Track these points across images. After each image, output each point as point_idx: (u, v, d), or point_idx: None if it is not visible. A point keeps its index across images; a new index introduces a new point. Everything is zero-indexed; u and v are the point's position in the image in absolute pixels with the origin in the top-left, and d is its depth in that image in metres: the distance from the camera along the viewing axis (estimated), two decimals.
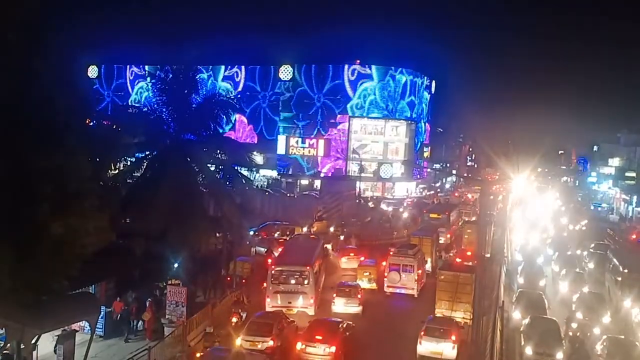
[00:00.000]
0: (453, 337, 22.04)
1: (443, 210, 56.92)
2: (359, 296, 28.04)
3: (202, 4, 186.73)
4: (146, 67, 65.57)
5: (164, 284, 25.74)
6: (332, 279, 33.04)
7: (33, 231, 15.44)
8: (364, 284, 31.51)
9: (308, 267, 27.52)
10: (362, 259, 35.69)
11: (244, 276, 31.32)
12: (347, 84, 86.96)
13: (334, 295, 28.05)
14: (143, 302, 24.04)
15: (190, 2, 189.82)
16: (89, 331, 20.52)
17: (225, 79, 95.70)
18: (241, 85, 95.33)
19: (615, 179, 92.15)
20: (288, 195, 72.79)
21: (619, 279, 33.81)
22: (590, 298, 30.12)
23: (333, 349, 21.03)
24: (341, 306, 27.60)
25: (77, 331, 20.50)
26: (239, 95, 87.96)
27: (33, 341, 17.23)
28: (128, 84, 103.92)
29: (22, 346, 16.89)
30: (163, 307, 24.25)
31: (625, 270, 33.72)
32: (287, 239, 40.83)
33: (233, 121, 75.66)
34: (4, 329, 17.72)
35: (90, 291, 22.64)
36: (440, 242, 43.95)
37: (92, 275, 21.04)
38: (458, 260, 36.34)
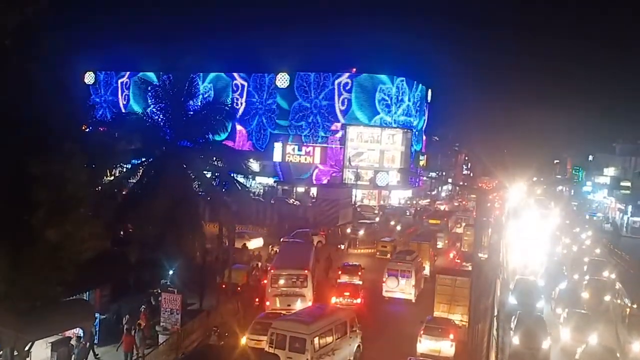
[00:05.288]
0: (451, 336, 23.08)
1: (442, 217, 58.68)
2: (360, 273, 33.61)
3: (199, 12, 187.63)
4: (144, 74, 65.66)
5: (158, 291, 25.61)
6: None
7: (28, 237, 15.38)
8: (381, 255, 41.70)
9: (306, 270, 28.12)
10: None
11: (239, 284, 31.18)
12: (344, 92, 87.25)
13: (340, 273, 33.81)
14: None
15: (188, 10, 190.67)
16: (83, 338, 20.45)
17: (222, 86, 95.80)
18: (238, 92, 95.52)
19: (610, 189, 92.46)
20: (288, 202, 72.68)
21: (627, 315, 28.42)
22: (601, 353, 23.38)
23: (359, 300, 29.19)
24: (346, 280, 32.86)
25: (71, 338, 20.38)
26: (236, 103, 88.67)
27: (26, 348, 17.13)
28: (125, 91, 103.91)
29: (15, 353, 16.78)
30: (157, 314, 24.11)
31: (635, 306, 28.70)
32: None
33: (229, 128, 75.77)
34: None
35: (85, 298, 22.51)
36: (439, 247, 46.15)
37: (87, 282, 20.92)
38: (457, 260, 39.79)
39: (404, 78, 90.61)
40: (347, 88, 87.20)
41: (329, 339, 20.54)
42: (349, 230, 52.76)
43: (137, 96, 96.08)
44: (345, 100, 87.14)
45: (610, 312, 31.65)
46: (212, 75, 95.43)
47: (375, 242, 45.88)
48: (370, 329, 24.32)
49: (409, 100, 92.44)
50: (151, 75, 69.36)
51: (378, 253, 42.87)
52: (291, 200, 74.82)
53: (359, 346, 22.68)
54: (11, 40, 16.26)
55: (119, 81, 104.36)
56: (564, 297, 31.89)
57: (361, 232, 49.84)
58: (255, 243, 43.59)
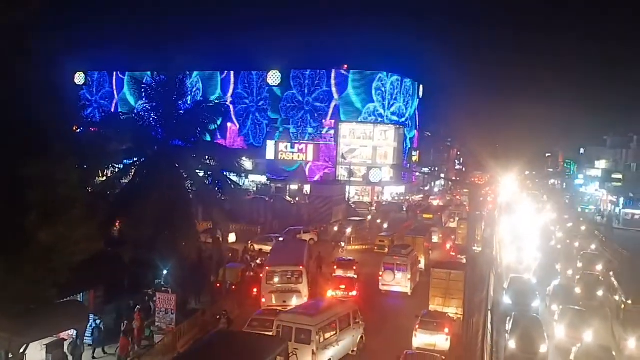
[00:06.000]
0: (446, 330, 23.28)
1: (435, 212, 59.21)
2: (355, 268, 34.35)
3: (190, 12, 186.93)
4: (134, 74, 65.17)
5: (153, 291, 25.57)
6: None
7: (21, 239, 15.31)
8: (379, 249, 42.04)
9: (301, 267, 28.18)
10: None
11: (233, 283, 31.16)
12: (335, 89, 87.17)
13: (335, 267, 34.42)
14: None
15: (179, 9, 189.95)
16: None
17: (213, 84, 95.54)
18: (230, 90, 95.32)
19: (602, 181, 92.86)
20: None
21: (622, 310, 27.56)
22: (597, 353, 21.83)
23: (355, 292, 29.99)
24: (341, 274, 33.72)
25: (65, 340, 20.30)
26: (227, 101, 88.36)
27: (21, 350, 17.07)
28: (115, 91, 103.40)
29: (10, 355, 16.74)
30: (152, 314, 24.08)
31: (629, 302, 27.92)
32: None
33: (221, 127, 75.48)
34: None
35: (79, 299, 22.45)
36: (434, 240, 46.86)
37: (81, 283, 20.88)
38: (452, 253, 40.64)
39: (399, 77, 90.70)
40: (339, 85, 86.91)
41: (333, 331, 21.34)
42: (336, 229, 52.18)
43: (131, 88, 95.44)
44: (337, 96, 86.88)
45: (605, 308, 30.51)
46: (203, 73, 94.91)
47: (369, 239, 46.34)
48: (369, 322, 24.50)
49: (402, 99, 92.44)
50: (142, 74, 68.88)
51: (376, 247, 43.49)
52: (288, 198, 74.79)
53: (361, 337, 23.25)
54: (9, 40, 16.16)
55: (110, 81, 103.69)
56: (558, 294, 30.67)
57: (349, 230, 49.36)
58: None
